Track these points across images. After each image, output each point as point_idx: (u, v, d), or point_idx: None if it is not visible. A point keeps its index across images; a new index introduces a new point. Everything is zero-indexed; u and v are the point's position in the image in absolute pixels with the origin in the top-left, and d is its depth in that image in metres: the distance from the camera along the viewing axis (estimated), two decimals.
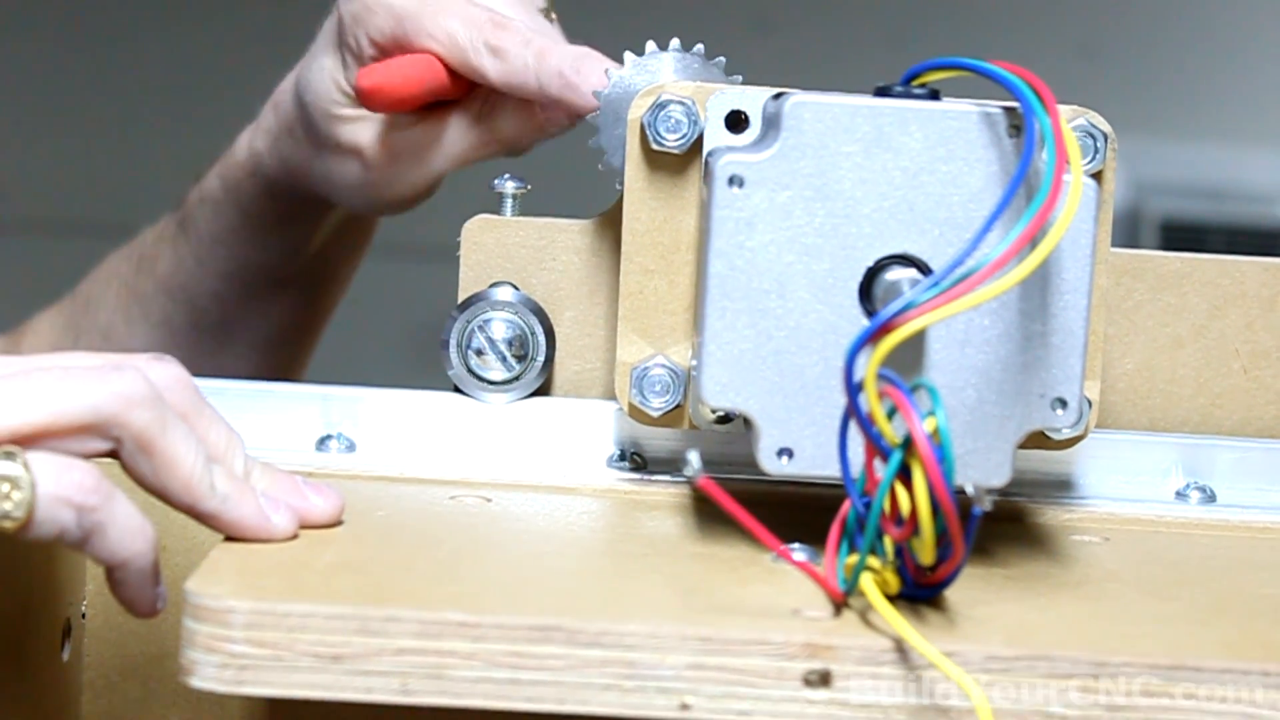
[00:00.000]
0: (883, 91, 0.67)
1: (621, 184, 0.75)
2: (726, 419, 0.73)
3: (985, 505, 0.59)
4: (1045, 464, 0.77)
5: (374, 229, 1.00)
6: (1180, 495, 0.77)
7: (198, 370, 0.70)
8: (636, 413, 0.74)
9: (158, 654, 0.76)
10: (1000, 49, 2.33)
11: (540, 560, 0.68)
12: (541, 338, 0.78)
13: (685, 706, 0.59)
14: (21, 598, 0.72)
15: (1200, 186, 2.44)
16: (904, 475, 0.60)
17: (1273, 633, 0.63)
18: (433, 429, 0.77)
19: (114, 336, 0.99)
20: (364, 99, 0.84)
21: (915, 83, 0.68)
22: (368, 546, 0.66)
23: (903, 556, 0.62)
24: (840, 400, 0.62)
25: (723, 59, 0.78)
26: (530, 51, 0.81)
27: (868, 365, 0.60)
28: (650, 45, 0.78)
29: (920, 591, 0.62)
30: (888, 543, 0.61)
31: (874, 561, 0.62)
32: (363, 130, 0.86)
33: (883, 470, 0.60)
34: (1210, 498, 0.77)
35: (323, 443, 0.77)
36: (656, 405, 0.74)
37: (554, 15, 0.87)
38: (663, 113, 0.73)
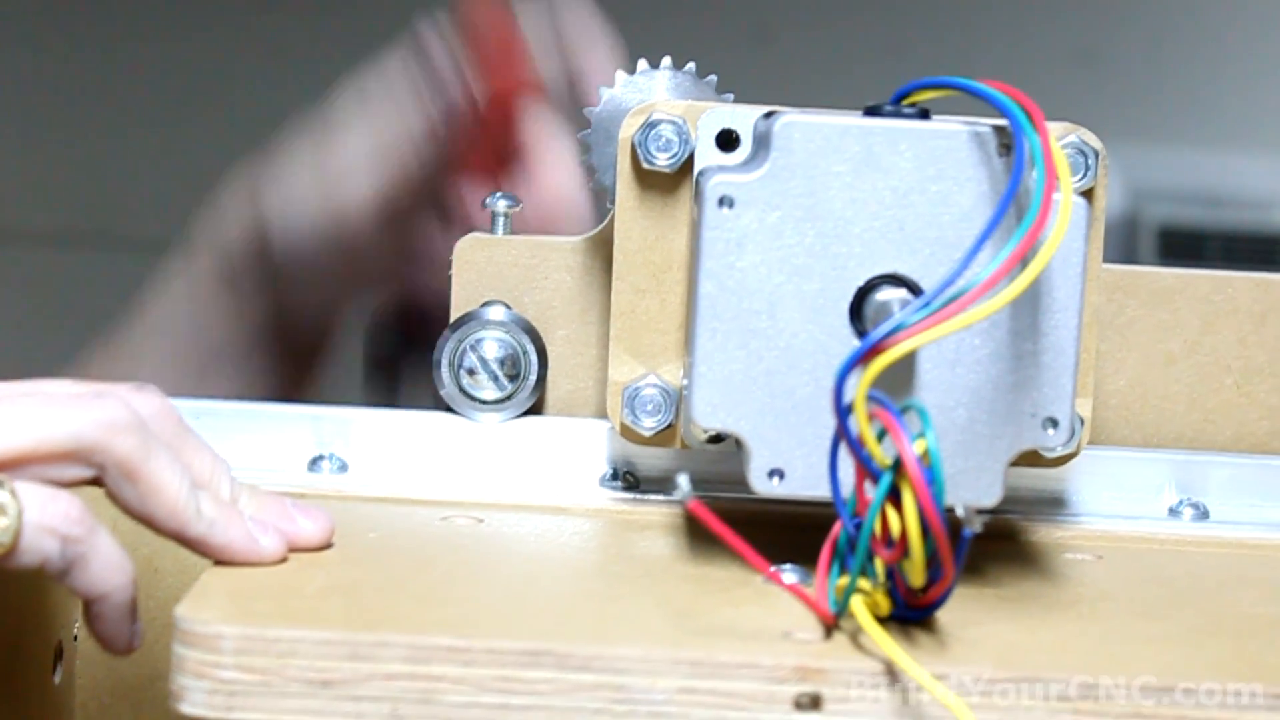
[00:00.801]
0: (873, 111, 0.67)
1: (613, 203, 0.75)
2: (718, 439, 0.73)
3: (976, 527, 0.59)
4: (1038, 481, 0.77)
5: None
6: (1173, 512, 0.77)
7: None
8: (628, 432, 0.74)
9: (149, 676, 0.76)
10: (998, 57, 2.33)
11: (532, 582, 0.67)
12: (533, 357, 0.78)
13: None
14: (13, 620, 0.72)
15: (1198, 193, 2.43)
16: (894, 497, 0.60)
17: (1265, 653, 0.63)
18: (425, 448, 0.77)
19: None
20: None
21: (905, 102, 0.68)
22: (359, 569, 0.66)
23: (894, 578, 0.61)
24: (831, 421, 0.61)
25: (714, 77, 0.78)
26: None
27: (857, 387, 0.60)
28: (642, 63, 0.78)
29: (911, 613, 0.62)
30: (878, 564, 0.61)
31: (865, 583, 0.61)
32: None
33: (873, 492, 0.60)
34: (1203, 514, 0.77)
35: (315, 463, 0.77)
36: (648, 425, 0.74)
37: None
38: (653, 131, 0.73)
